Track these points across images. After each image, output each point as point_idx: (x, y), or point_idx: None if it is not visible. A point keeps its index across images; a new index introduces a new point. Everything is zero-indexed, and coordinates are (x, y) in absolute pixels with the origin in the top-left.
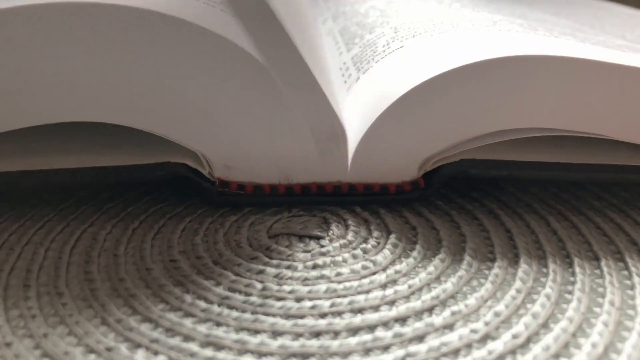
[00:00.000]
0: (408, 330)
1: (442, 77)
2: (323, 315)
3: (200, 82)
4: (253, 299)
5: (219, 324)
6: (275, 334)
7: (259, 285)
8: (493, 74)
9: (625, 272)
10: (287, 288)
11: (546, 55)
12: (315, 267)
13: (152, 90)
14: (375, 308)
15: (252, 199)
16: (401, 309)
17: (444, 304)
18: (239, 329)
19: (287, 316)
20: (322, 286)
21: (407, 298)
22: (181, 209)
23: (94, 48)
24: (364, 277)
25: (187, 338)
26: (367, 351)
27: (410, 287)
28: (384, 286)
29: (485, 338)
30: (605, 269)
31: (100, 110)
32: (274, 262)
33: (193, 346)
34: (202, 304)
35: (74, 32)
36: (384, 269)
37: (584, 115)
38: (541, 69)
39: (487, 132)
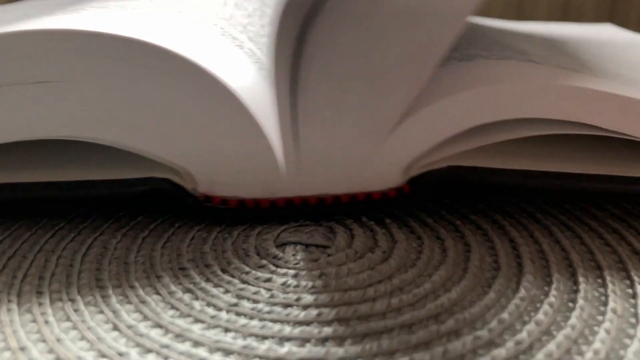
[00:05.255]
0: (413, 337)
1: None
2: (329, 323)
3: (182, 104)
4: (261, 306)
5: (227, 330)
6: (283, 340)
7: (266, 293)
8: None
9: (628, 282)
10: (293, 296)
11: None
12: (321, 275)
13: (137, 111)
14: (381, 315)
15: (235, 214)
16: (406, 316)
17: (448, 311)
18: (247, 335)
19: (294, 323)
20: (329, 294)
21: (412, 306)
22: (189, 218)
23: (83, 73)
24: (370, 285)
25: (197, 344)
26: (373, 357)
27: (415, 295)
28: (389, 294)
29: (489, 344)
30: (607, 278)
31: (83, 127)
32: (281, 270)
33: (202, 352)
34: (211, 310)
35: (63, 56)
36: (390, 278)
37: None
38: None
39: (464, 128)
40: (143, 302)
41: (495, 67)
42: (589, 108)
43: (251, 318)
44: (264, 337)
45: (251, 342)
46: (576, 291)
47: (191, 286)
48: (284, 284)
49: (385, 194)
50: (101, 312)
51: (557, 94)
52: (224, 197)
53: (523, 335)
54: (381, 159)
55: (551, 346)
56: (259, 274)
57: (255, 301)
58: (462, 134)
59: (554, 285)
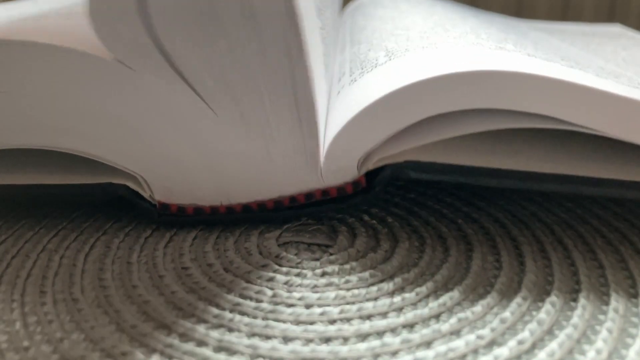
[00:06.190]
0: (416, 336)
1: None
2: (332, 322)
3: (134, 107)
4: (264, 305)
5: (231, 330)
6: (286, 339)
7: (269, 292)
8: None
9: (630, 281)
10: (296, 295)
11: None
12: (324, 274)
13: (89, 116)
14: (384, 315)
15: (193, 220)
16: (409, 315)
17: (450, 310)
18: (250, 335)
19: (298, 322)
20: (331, 293)
21: (414, 305)
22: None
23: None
24: (372, 284)
25: (201, 343)
26: (376, 356)
27: (417, 294)
28: (391, 293)
29: (492, 344)
30: (609, 277)
31: (40, 136)
32: (284, 269)
33: (206, 351)
34: (214, 310)
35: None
36: (392, 277)
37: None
38: None
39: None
40: (146, 301)
41: (446, 55)
42: (550, 98)
43: (254, 317)
44: (268, 337)
45: (255, 341)
46: (578, 290)
47: (194, 285)
48: (286, 283)
49: (342, 189)
50: (105, 312)
51: (520, 83)
52: (181, 204)
53: (525, 334)
54: (333, 154)
55: (553, 345)
56: (262, 273)
57: (259, 300)
58: (420, 129)
59: (555, 285)
